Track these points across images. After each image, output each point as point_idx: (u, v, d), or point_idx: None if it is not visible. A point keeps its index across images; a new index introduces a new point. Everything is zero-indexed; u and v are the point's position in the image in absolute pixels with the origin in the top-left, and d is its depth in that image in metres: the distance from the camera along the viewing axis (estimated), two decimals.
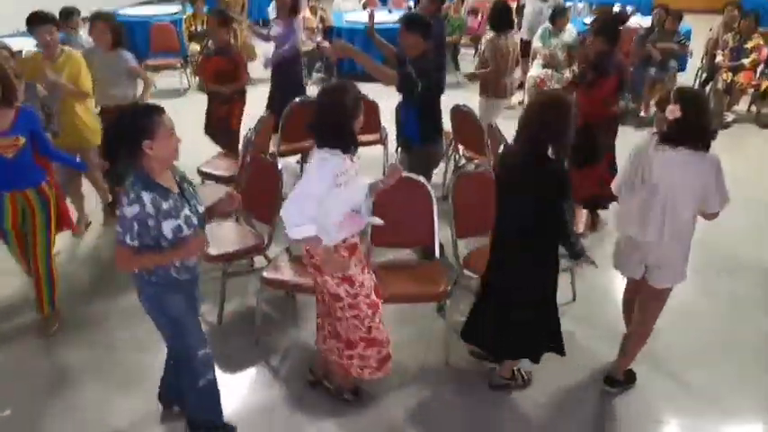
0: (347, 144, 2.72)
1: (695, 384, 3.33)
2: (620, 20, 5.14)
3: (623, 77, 4.45)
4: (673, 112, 2.70)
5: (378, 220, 2.98)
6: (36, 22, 4.28)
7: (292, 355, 3.56)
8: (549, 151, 2.78)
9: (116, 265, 2.54)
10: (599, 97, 4.27)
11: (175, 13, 9.29)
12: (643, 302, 3.10)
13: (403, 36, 3.91)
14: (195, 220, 2.57)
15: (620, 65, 4.43)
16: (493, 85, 5.49)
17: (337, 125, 2.70)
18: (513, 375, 3.31)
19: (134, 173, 2.46)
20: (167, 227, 2.47)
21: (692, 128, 2.74)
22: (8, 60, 4.28)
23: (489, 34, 5.62)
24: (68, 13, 6.78)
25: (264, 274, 3.53)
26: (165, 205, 2.46)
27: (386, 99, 4.73)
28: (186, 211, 2.53)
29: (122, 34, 4.75)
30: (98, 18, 4.59)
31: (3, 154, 3.37)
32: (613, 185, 3.12)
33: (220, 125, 5.16)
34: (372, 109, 5.07)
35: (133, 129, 2.43)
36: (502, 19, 5.53)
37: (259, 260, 4.05)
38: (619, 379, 3.27)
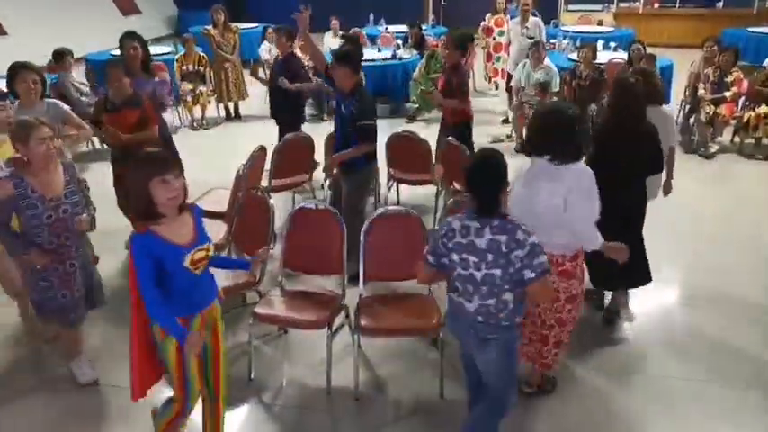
0: (581, 153, 3.01)
1: None
2: (469, 37, 5.92)
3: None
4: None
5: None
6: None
7: (286, 392, 3.52)
8: None
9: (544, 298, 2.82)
10: (464, 97, 5.46)
11: (167, 54, 9.37)
12: None
13: (333, 69, 4.22)
14: None
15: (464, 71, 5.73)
16: None
17: (571, 138, 2.91)
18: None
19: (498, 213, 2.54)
20: None
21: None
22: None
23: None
24: (61, 55, 6.87)
25: (257, 309, 3.52)
26: None
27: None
28: None
29: (45, 82, 4.30)
30: (24, 68, 4.06)
31: (194, 271, 2.57)
32: None
33: None
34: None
35: (506, 169, 2.56)
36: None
37: (251, 296, 4.05)
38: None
